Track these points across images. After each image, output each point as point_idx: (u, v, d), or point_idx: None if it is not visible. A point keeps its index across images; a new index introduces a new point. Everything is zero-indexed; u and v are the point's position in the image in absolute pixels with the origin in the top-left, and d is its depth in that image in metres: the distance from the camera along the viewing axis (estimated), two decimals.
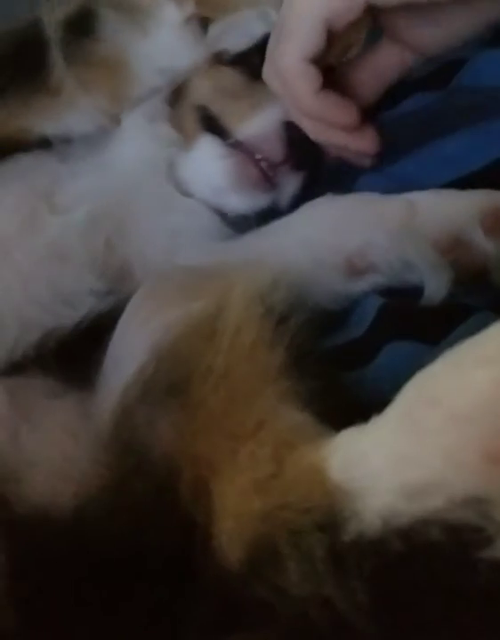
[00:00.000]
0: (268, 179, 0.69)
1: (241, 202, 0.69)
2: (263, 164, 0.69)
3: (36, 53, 0.64)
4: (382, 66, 0.68)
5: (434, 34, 0.64)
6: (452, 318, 0.53)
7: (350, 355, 0.57)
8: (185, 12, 0.65)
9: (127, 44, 0.65)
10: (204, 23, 0.65)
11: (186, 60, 0.68)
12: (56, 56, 0.63)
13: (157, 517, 0.44)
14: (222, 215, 0.71)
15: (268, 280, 0.53)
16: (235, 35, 0.69)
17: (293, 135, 0.69)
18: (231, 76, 0.73)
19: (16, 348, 0.60)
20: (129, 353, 0.53)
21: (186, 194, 0.71)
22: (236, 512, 0.41)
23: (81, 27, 0.64)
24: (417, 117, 0.70)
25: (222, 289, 0.52)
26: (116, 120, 0.68)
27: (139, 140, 0.69)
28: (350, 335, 0.59)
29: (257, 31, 0.67)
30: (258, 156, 0.69)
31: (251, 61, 0.72)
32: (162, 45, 0.66)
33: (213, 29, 0.66)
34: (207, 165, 0.69)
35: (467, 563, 0.33)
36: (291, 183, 0.70)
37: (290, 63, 0.61)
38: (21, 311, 0.62)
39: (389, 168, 0.68)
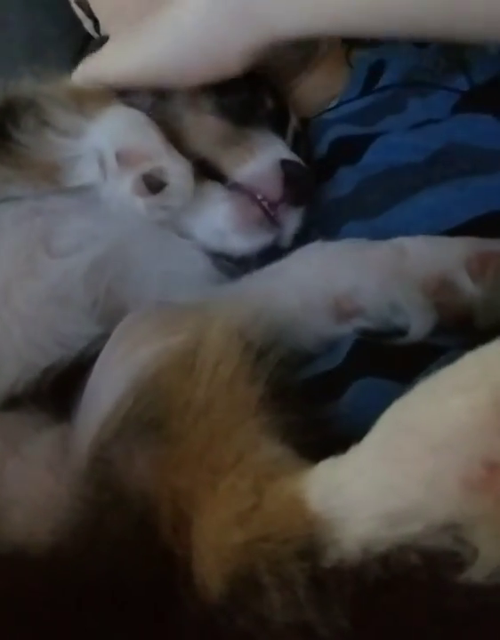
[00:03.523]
0: (270, 217, 0.71)
1: (245, 242, 0.71)
2: (264, 204, 0.71)
3: None
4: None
5: None
6: (423, 357, 0.55)
7: (322, 387, 0.58)
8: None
9: (59, 147, 0.67)
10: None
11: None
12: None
13: (136, 552, 0.44)
14: (217, 260, 0.72)
15: (247, 315, 0.54)
16: None
17: (289, 173, 0.71)
18: (220, 126, 0.75)
19: (15, 386, 0.60)
20: (108, 387, 0.53)
21: (187, 237, 0.72)
22: (216, 545, 0.41)
23: (6, 127, 0.67)
24: (396, 173, 0.73)
25: (202, 323, 0.52)
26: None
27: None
28: (324, 366, 0.61)
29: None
30: (259, 196, 0.71)
31: (231, 111, 0.75)
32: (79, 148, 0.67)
33: None
34: (209, 210, 0.71)
35: (444, 587, 0.34)
36: (292, 220, 0.73)
37: None
38: (21, 352, 0.62)
39: (372, 220, 0.71)
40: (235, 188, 0.71)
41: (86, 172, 0.67)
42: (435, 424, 0.35)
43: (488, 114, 0.74)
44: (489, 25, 0.55)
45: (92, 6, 0.99)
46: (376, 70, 0.90)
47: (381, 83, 0.88)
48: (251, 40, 0.67)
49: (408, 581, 0.35)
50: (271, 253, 0.71)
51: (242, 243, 0.71)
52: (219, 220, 0.71)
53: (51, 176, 0.67)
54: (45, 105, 0.69)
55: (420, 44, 0.88)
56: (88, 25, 1.12)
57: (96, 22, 1.10)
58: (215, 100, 0.77)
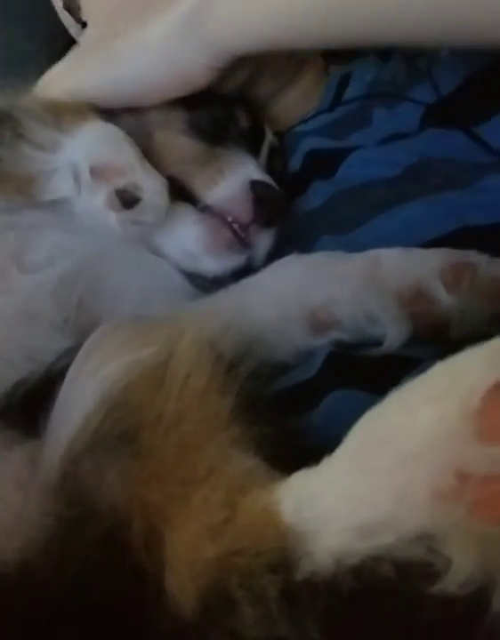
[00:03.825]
0: (241, 239, 0.71)
1: (216, 264, 0.72)
2: (235, 226, 0.71)
3: None
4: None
5: None
6: (398, 369, 0.55)
7: (296, 398, 0.58)
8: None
9: (34, 160, 0.67)
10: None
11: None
12: None
13: (107, 568, 0.44)
14: (191, 275, 0.72)
15: (218, 326, 0.54)
16: None
17: (259, 194, 0.71)
18: (191, 145, 0.75)
19: None
20: (78, 401, 0.53)
21: (159, 255, 0.72)
22: (189, 559, 0.41)
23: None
24: (371, 188, 0.74)
25: (172, 336, 0.52)
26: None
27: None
28: (298, 378, 0.60)
29: None
30: (229, 219, 0.71)
31: (202, 129, 0.75)
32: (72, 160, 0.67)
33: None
34: (181, 231, 0.71)
35: (417, 598, 0.34)
36: (264, 241, 0.73)
37: None
38: None
39: (345, 236, 0.71)
40: (205, 209, 0.72)
41: (61, 186, 0.67)
42: (406, 435, 0.35)
43: (459, 129, 0.74)
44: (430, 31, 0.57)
45: (84, 9, 0.98)
46: (345, 82, 0.91)
47: (347, 95, 0.89)
48: (211, 56, 0.69)
49: (382, 593, 0.35)
50: (245, 272, 0.71)
51: (213, 265, 0.71)
52: (190, 242, 0.71)
53: (25, 190, 0.67)
54: (22, 118, 0.69)
55: (384, 56, 0.89)
56: (74, 31, 1.11)
57: (84, 27, 1.11)
58: (186, 118, 0.77)
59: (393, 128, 0.80)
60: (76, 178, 0.66)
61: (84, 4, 0.98)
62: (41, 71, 0.76)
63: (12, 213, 0.67)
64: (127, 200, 0.66)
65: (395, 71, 0.85)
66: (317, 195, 0.80)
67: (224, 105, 0.81)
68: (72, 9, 1.08)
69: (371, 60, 0.90)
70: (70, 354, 0.60)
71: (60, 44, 1.12)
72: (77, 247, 0.68)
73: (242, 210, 0.71)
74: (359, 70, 0.90)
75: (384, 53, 0.89)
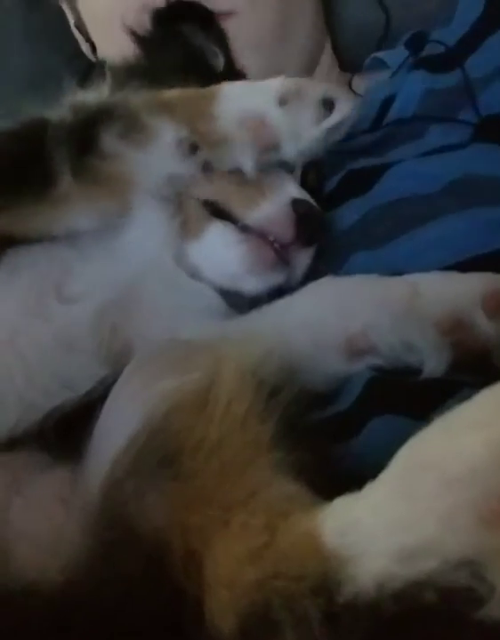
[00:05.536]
0: (282, 258, 0.71)
1: (258, 283, 0.71)
2: (276, 245, 0.71)
3: (41, 167, 0.65)
4: None
5: None
6: (440, 394, 0.54)
7: (336, 427, 0.57)
8: (180, 135, 0.67)
9: (128, 159, 0.67)
10: (193, 147, 0.67)
11: (178, 174, 0.69)
12: (62, 171, 0.64)
13: (147, 590, 0.44)
14: (225, 295, 0.72)
15: (260, 353, 0.55)
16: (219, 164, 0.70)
17: (301, 214, 0.72)
18: (230, 176, 0.76)
19: (17, 427, 0.60)
20: (119, 425, 0.54)
21: (197, 279, 0.72)
22: (229, 582, 0.41)
23: (84, 142, 0.66)
24: (404, 204, 0.74)
25: (215, 362, 0.53)
26: (119, 219, 0.69)
27: (145, 230, 0.70)
28: (337, 408, 0.60)
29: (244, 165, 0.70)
30: (271, 238, 0.71)
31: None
32: (158, 160, 0.68)
33: (201, 155, 0.68)
34: (222, 252, 0.72)
35: (460, 624, 0.34)
36: (302, 259, 0.73)
37: None
38: (23, 395, 0.62)
39: (379, 250, 0.71)
40: (246, 229, 0.72)
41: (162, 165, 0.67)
42: (450, 460, 0.36)
43: None
44: None
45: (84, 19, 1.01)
46: (388, 104, 0.91)
47: (392, 116, 0.89)
48: None
49: (424, 618, 0.35)
50: (281, 290, 0.71)
51: (255, 284, 0.71)
52: (232, 262, 0.71)
53: (120, 194, 0.67)
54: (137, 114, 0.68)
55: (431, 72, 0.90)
56: (85, 48, 1.15)
57: (93, 46, 1.14)
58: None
59: (445, 140, 0.80)
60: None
61: (86, 22, 1.00)
62: (64, 87, 0.76)
63: (54, 244, 0.68)
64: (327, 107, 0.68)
65: (447, 93, 0.86)
66: (351, 212, 0.80)
67: None
68: (81, 27, 1.11)
69: (418, 75, 0.90)
70: (105, 380, 0.61)
71: (86, 60, 1.16)
72: (115, 278, 0.69)
73: (284, 229, 0.71)
74: (406, 90, 0.90)
75: (434, 64, 0.90)
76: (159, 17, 0.82)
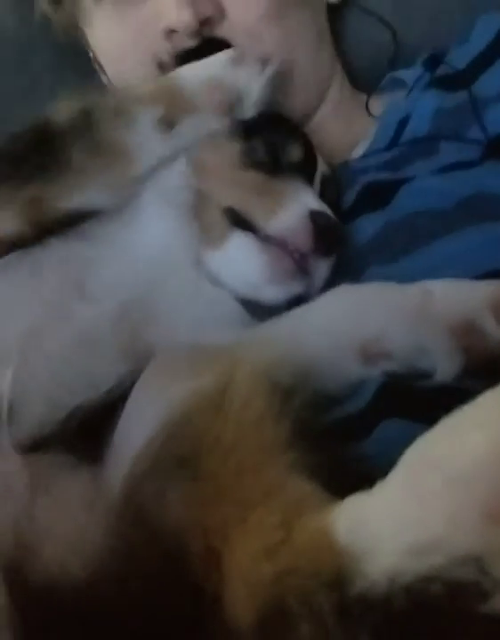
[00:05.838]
0: (301, 268, 0.73)
1: (277, 292, 0.73)
2: (296, 255, 0.73)
3: (57, 145, 0.70)
4: None
5: None
6: (450, 399, 0.55)
7: (347, 429, 0.59)
8: (157, 114, 0.74)
9: (122, 138, 0.72)
10: (169, 123, 0.76)
11: (162, 148, 0.76)
12: (75, 146, 0.70)
13: (167, 586, 0.46)
14: (246, 302, 0.74)
15: (275, 357, 0.56)
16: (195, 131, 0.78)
17: (319, 224, 0.73)
18: (249, 176, 0.78)
19: (42, 426, 0.61)
20: (139, 426, 0.55)
21: (216, 285, 0.74)
22: (246, 578, 0.43)
23: (85, 124, 0.72)
24: (420, 218, 0.75)
25: (230, 365, 0.54)
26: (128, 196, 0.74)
27: (163, 233, 0.73)
28: (349, 409, 0.61)
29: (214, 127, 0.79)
30: (290, 248, 0.73)
31: (258, 159, 0.78)
32: (145, 138, 0.73)
33: (179, 127, 0.77)
34: (243, 261, 0.73)
35: (466, 617, 0.35)
36: (322, 270, 0.75)
37: None
38: (48, 393, 0.63)
39: (395, 264, 0.73)
40: (267, 239, 0.73)
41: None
42: (456, 459, 0.37)
43: None
44: None
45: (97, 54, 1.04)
46: (404, 125, 0.92)
47: (407, 135, 0.91)
48: None
49: (432, 611, 0.36)
50: (299, 299, 0.73)
51: (274, 293, 0.73)
52: (252, 271, 0.73)
53: (120, 166, 0.72)
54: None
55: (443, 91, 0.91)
56: (105, 79, 1.17)
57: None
58: (241, 148, 0.79)
59: (458, 157, 0.81)
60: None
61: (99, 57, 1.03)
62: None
63: (76, 243, 0.71)
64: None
65: (456, 112, 0.87)
66: (368, 226, 0.81)
67: (277, 135, 0.83)
68: (97, 61, 1.13)
69: (431, 94, 0.92)
70: (127, 380, 0.63)
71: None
72: (136, 277, 0.71)
73: (302, 239, 0.73)
74: (419, 110, 0.92)
75: (445, 84, 0.92)
76: None
